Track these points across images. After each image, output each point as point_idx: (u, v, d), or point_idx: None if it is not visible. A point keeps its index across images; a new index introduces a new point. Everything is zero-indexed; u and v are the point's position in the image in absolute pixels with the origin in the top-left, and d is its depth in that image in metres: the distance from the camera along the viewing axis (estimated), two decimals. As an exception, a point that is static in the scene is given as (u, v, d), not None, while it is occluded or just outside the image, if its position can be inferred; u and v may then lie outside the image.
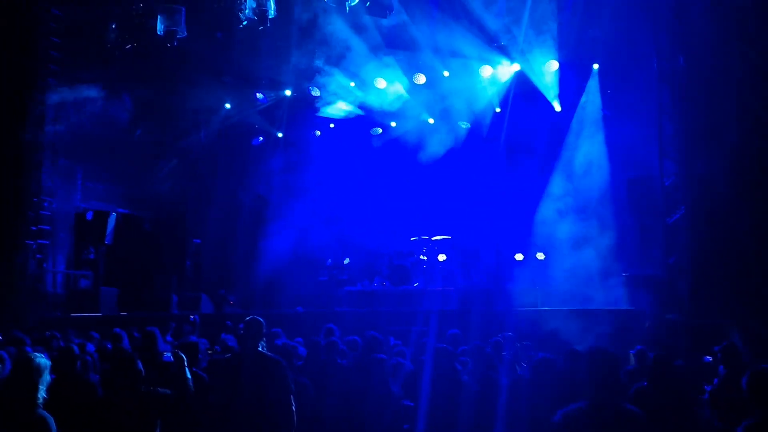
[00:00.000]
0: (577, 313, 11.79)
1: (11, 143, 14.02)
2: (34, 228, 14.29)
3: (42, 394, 4.34)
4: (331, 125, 18.26)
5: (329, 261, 16.67)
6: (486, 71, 16.08)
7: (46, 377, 4.41)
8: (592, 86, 15.34)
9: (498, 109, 16.65)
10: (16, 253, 14.10)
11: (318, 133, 18.40)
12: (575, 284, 13.73)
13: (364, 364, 6.33)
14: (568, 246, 14.55)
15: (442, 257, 16.00)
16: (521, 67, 15.95)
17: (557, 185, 15.28)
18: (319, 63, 15.98)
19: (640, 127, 13.31)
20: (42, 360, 4.46)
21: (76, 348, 6.25)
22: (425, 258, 15.99)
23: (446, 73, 16.38)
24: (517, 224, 15.73)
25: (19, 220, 14.19)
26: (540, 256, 15.57)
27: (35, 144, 14.32)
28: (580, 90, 15.51)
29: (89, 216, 15.25)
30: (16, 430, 4.20)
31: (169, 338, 9.91)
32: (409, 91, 16.86)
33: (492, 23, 15.03)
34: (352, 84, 17.04)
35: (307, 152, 18.30)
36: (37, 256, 14.38)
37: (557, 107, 15.86)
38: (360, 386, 6.00)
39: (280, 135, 18.47)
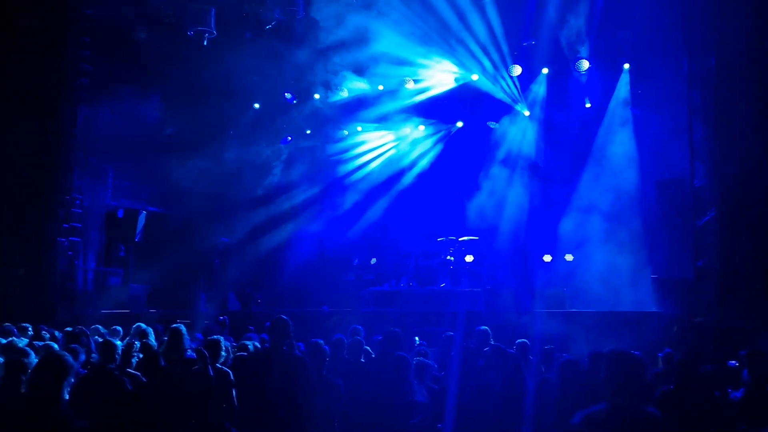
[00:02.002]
0: (605, 316, 11.69)
1: (43, 142, 14.24)
2: (65, 226, 14.51)
3: (65, 394, 4.37)
4: (359, 128, 18.31)
5: (356, 261, 16.70)
6: (516, 71, 15.95)
7: (71, 378, 4.44)
8: (623, 86, 15.17)
9: (527, 112, 16.50)
10: (48, 251, 14.33)
11: (345, 132, 18.43)
12: (603, 286, 13.61)
13: (383, 361, 6.32)
14: (596, 248, 14.43)
15: (469, 258, 15.93)
16: (549, 68, 15.85)
17: (586, 187, 15.13)
18: (346, 63, 16.00)
19: (671, 128, 13.16)
20: (68, 359, 4.51)
21: (117, 343, 6.36)
22: (452, 259, 15.94)
23: (475, 77, 16.32)
24: (546, 225, 15.62)
25: (51, 218, 14.42)
26: (568, 257, 15.45)
27: (67, 143, 14.54)
28: (610, 90, 15.35)
29: (120, 214, 15.45)
30: (38, 425, 4.24)
31: (198, 335, 9.99)
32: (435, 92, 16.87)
33: (520, 22, 14.96)
34: (381, 87, 17.11)
35: (335, 152, 18.39)
36: (69, 253, 14.59)
37: (587, 105, 15.72)
38: (379, 383, 6.00)
39: (308, 132, 18.52)
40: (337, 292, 15.39)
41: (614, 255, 14.03)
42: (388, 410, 5.81)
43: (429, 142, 18.09)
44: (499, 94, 16.43)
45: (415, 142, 18.16)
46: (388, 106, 17.41)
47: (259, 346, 7.86)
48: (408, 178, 17.96)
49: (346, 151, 18.47)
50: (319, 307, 14.18)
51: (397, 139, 18.28)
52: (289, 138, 18.62)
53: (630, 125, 14.78)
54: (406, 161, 18.12)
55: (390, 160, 18.30)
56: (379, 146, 18.41)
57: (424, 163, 17.96)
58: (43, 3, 14.11)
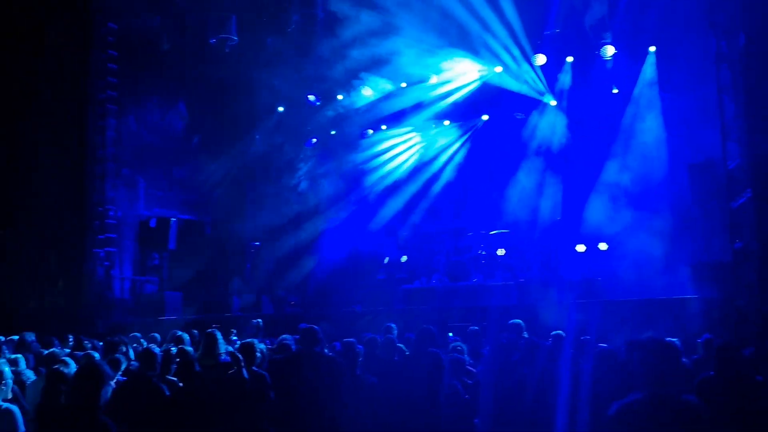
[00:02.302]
0: (641, 304, 11.52)
1: (75, 156, 14.54)
2: (101, 237, 14.77)
3: (103, 400, 4.44)
4: (383, 126, 18.31)
5: (386, 259, 16.69)
6: (540, 60, 15.77)
7: (109, 386, 4.51)
8: (649, 70, 14.92)
9: (553, 102, 16.32)
10: (84, 262, 14.62)
11: (370, 131, 18.44)
12: (639, 274, 13.41)
13: (417, 358, 6.31)
14: (630, 235, 14.21)
15: (501, 252, 15.80)
16: (574, 56, 15.67)
17: (617, 174, 14.92)
18: (368, 62, 15.99)
19: (700, 109, 12.90)
20: (105, 368, 4.58)
21: (157, 350, 6.45)
22: (483, 253, 15.83)
23: (498, 69, 16.21)
24: (578, 215, 15.43)
25: (86, 229, 14.70)
26: (602, 246, 15.24)
27: (98, 156, 14.81)
28: (637, 75, 15.12)
29: (152, 223, 15.66)
30: None
31: (234, 339, 10.08)
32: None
33: (543, 11, 14.80)
34: (404, 85, 17.09)
35: (360, 152, 18.43)
36: (105, 263, 14.86)
37: (614, 92, 15.51)
38: (413, 380, 5.98)
39: (333, 132, 18.57)
40: (368, 292, 15.39)
41: (648, 241, 13.80)
42: (422, 408, 5.79)
43: (455, 137, 18.00)
44: (524, 86, 16.28)
45: (440, 137, 18.10)
46: (412, 104, 17.39)
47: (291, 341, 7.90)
48: (435, 174, 17.90)
49: (372, 150, 18.47)
50: (351, 307, 14.20)
51: (423, 135, 18.23)
52: (314, 140, 18.69)
53: (658, 109, 14.53)
54: (433, 157, 18.06)
55: (416, 157, 18.25)
56: (404, 143, 18.38)
57: (451, 159, 17.88)
58: (69, 20, 14.39)
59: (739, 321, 10.00)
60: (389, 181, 18.16)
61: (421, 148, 18.25)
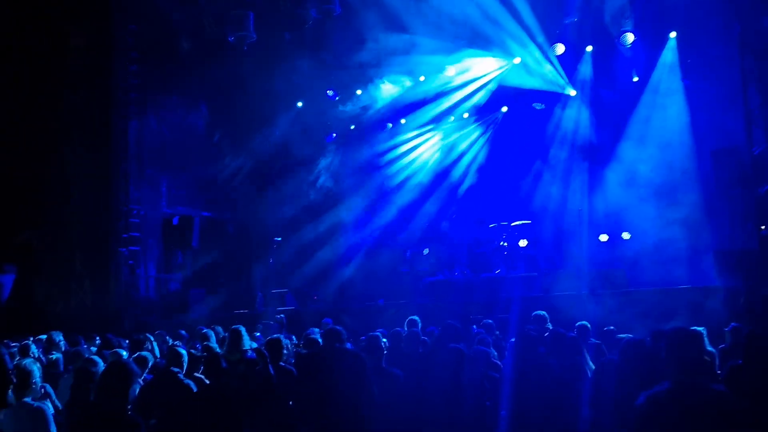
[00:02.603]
0: (667, 293, 11.41)
1: (99, 157, 14.73)
2: (125, 236, 14.94)
3: (131, 398, 4.49)
4: (402, 120, 18.31)
5: (408, 252, 16.70)
6: (559, 49, 15.64)
7: (136, 384, 4.56)
8: (670, 56, 14.72)
9: (573, 92, 16.19)
10: (110, 261, 14.80)
11: (390, 125, 18.45)
12: (663, 263, 13.29)
13: (438, 353, 6.33)
14: (654, 224, 14.09)
15: (523, 242, 15.73)
16: (594, 46, 15.52)
17: (640, 162, 14.76)
18: (386, 57, 15.97)
19: (723, 96, 12.75)
20: (132, 366, 4.63)
21: (183, 349, 6.52)
22: (505, 244, 15.76)
23: (517, 60, 16.13)
24: (601, 204, 15.32)
25: (111, 229, 14.88)
26: (626, 235, 15.12)
27: (121, 156, 14.98)
28: (657, 62, 14.93)
29: (175, 221, 15.80)
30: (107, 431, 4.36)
31: (258, 335, 10.15)
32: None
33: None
34: (422, 78, 17.08)
35: (381, 146, 18.46)
36: (130, 262, 15.03)
37: (635, 80, 15.34)
38: (434, 375, 6.00)
39: (352, 127, 18.61)
40: (391, 285, 15.43)
41: (672, 230, 13.68)
42: (445, 401, 5.81)
43: (475, 130, 17.95)
44: (543, 78, 16.16)
45: (461, 130, 18.05)
46: (431, 97, 17.37)
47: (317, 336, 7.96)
48: (456, 167, 17.87)
49: (392, 144, 18.48)
50: (375, 301, 14.23)
51: (443, 128, 18.19)
52: (334, 134, 18.72)
53: (681, 96, 14.34)
54: (454, 150, 18.03)
55: (437, 150, 18.23)
56: (424, 136, 18.35)
57: (471, 151, 17.84)
58: (91, 22, 14.56)
59: (765, 310, 9.88)
60: (410, 174, 18.16)
61: (441, 140, 18.21)
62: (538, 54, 15.74)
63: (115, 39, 14.85)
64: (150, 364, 7.24)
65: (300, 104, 17.95)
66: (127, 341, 9.24)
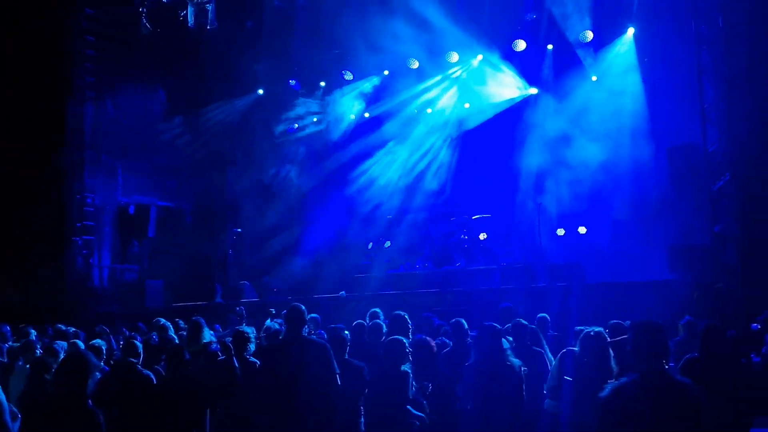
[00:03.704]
0: (623, 286, 11.62)
1: (52, 143, 14.35)
2: (79, 225, 14.62)
3: (89, 389, 4.40)
4: (366, 114, 18.31)
5: (370, 245, 16.69)
6: (520, 46, 15.79)
7: (94, 374, 4.46)
8: (629, 54, 14.97)
9: (534, 90, 16.39)
10: (64, 251, 14.46)
11: (353, 117, 18.40)
12: (619, 257, 13.55)
13: (385, 345, 6.36)
14: (610, 219, 14.35)
15: (483, 236, 15.88)
16: (554, 44, 15.70)
17: (598, 157, 14.99)
18: (349, 49, 15.90)
19: (680, 92, 12.99)
20: (91, 357, 4.53)
21: (139, 341, 6.41)
22: (466, 237, 15.88)
23: (480, 57, 16.26)
24: (558, 199, 15.52)
25: (64, 218, 14.54)
26: (582, 230, 15.39)
27: (75, 142, 14.62)
28: (617, 59, 15.17)
29: (131, 210, 15.51)
30: (65, 423, 4.27)
31: (217, 327, 10.04)
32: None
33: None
34: (386, 73, 17.07)
35: (343, 136, 18.39)
36: (84, 252, 14.72)
37: (593, 78, 15.56)
38: (384, 365, 6.02)
39: (315, 119, 18.51)
40: (353, 277, 15.40)
41: (628, 225, 13.96)
42: (393, 392, 5.83)
43: (439, 125, 18.00)
44: (505, 75, 16.33)
45: (425, 125, 18.09)
46: (396, 92, 17.41)
47: (279, 328, 7.89)
48: (420, 161, 17.91)
49: (355, 136, 18.44)
50: (336, 293, 14.19)
51: (407, 121, 18.20)
52: (296, 125, 18.58)
53: (639, 93, 14.59)
54: (417, 144, 18.06)
55: (402, 143, 18.23)
56: (389, 129, 18.34)
57: (434, 147, 17.90)
58: (45, 4, 14.14)
59: (719, 303, 10.13)
60: (374, 167, 18.15)
61: (406, 134, 18.21)
62: (499, 52, 15.91)
63: (70, 22, 14.47)
64: (105, 356, 7.11)
65: (261, 92, 17.74)
66: (83, 333, 9.06)
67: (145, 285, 15.04)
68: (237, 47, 15.50)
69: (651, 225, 13.52)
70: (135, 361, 6.00)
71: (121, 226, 15.71)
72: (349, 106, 18.12)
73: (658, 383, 3.64)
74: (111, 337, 9.07)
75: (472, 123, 17.32)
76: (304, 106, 18.12)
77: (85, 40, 14.67)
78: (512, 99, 16.69)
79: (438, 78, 17.16)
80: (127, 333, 9.31)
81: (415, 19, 15.00)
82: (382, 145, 18.22)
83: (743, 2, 10.78)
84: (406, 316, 7.05)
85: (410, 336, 6.85)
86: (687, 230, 13.00)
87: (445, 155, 17.66)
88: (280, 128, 18.39)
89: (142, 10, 14.36)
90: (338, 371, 5.41)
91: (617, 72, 15.18)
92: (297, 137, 18.67)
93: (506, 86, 16.55)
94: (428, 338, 7.06)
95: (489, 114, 16.98)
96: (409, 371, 6.02)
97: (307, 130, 18.65)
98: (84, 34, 14.64)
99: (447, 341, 7.34)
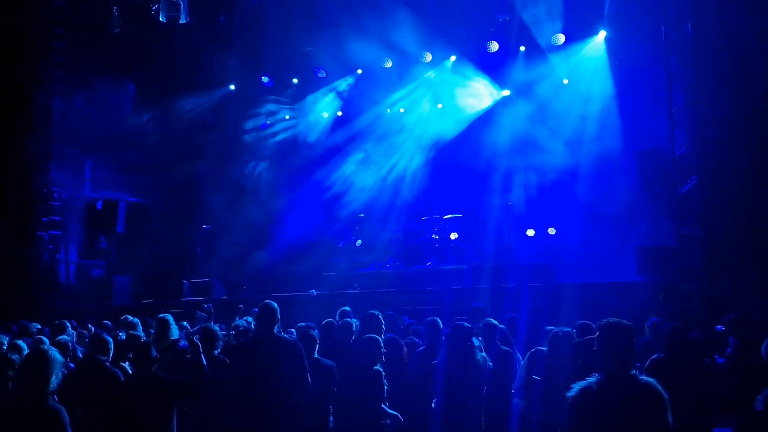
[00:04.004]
0: (591, 287, 11.74)
1: (19, 136, 14.07)
2: (45, 219, 14.37)
3: (52, 387, 4.33)
4: (339, 113, 18.29)
5: (341, 243, 16.66)
6: (493, 47, 15.88)
7: (58, 371, 4.40)
8: (600, 58, 15.13)
9: (507, 92, 16.51)
10: (28, 245, 14.20)
11: (325, 115, 18.37)
12: (587, 258, 13.68)
13: (358, 343, 6.37)
14: (579, 220, 14.50)
15: (453, 235, 15.94)
16: (526, 46, 15.81)
17: (569, 160, 15.14)
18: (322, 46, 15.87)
19: (650, 96, 13.17)
20: (56, 354, 4.45)
21: (107, 336, 6.30)
22: (437, 237, 15.94)
23: (453, 58, 16.30)
24: (528, 200, 15.66)
25: (30, 212, 14.28)
26: (551, 231, 15.54)
27: (43, 136, 14.37)
28: (588, 62, 15.32)
29: (99, 205, 15.27)
30: (27, 421, 4.20)
31: (185, 324, 9.93)
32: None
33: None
34: (360, 71, 17.06)
35: (315, 134, 18.34)
36: (50, 247, 14.48)
37: (565, 81, 15.71)
38: (356, 363, 6.02)
39: (287, 117, 18.44)
40: (323, 275, 15.35)
41: (597, 226, 14.11)
42: (366, 390, 5.84)
43: (411, 124, 18.03)
44: (477, 77, 16.42)
45: (397, 124, 18.11)
46: (369, 90, 17.41)
47: (248, 326, 7.84)
48: (391, 159, 17.94)
49: (328, 134, 18.41)
50: (306, 291, 14.13)
51: (379, 120, 18.21)
52: (268, 122, 18.48)
53: (610, 96, 14.76)
54: (389, 143, 18.07)
55: (372, 142, 18.22)
56: (360, 127, 18.33)
57: (405, 145, 17.92)
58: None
59: (684, 304, 10.29)
60: (346, 166, 18.14)
61: (379, 134, 18.21)
62: (472, 53, 15.99)
63: (38, 13, 14.21)
64: (70, 353, 7.00)
65: (232, 87, 17.59)
66: (48, 329, 8.91)
67: (113, 281, 14.85)
68: (209, 42, 15.37)
69: (620, 227, 13.68)
70: (104, 358, 5.91)
71: (88, 221, 15.45)
72: (323, 105, 18.10)
73: (623, 383, 3.69)
74: (75, 332, 8.92)
75: (446, 127, 17.38)
76: (276, 102, 18.03)
77: (54, 32, 14.42)
78: (485, 108, 16.83)
79: (412, 80, 17.19)
80: (93, 329, 9.17)
81: (388, 19, 15.02)
82: (355, 143, 18.21)
83: (711, 10, 10.95)
84: (380, 315, 7.05)
85: (383, 335, 6.86)
86: (655, 232, 13.19)
87: (417, 155, 17.69)
88: (252, 124, 18.28)
89: (113, 4, 14.18)
90: (309, 369, 5.39)
91: (588, 75, 15.34)
92: (269, 134, 18.57)
93: (479, 95, 16.64)
94: (397, 337, 7.08)
95: (463, 123, 17.08)
96: (382, 370, 6.02)
97: (279, 127, 18.57)
98: (52, 26, 14.39)
99: (417, 340, 7.37)
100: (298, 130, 18.57)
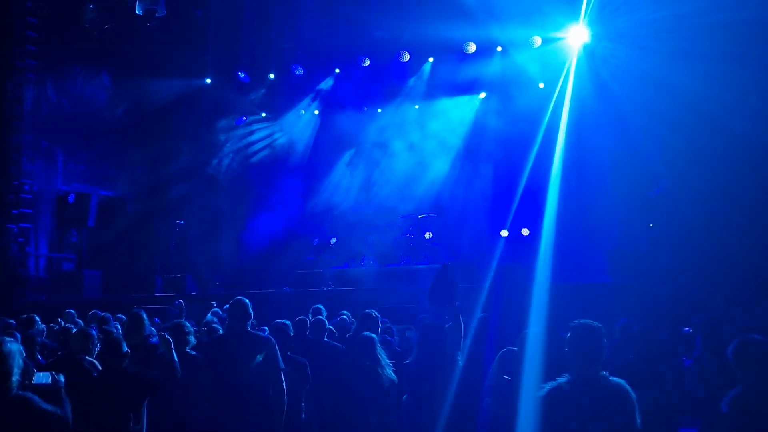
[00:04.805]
0: (563, 288, 11.84)
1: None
2: (15, 211, 14.16)
3: (16, 378, 4.27)
4: (315, 112, 18.26)
5: (316, 241, 16.64)
6: (470, 48, 15.93)
7: (20, 362, 4.33)
8: (576, 59, 15.21)
9: (483, 95, 16.61)
10: (-3, 238, 14.00)
11: (303, 112, 18.32)
12: (560, 259, 13.80)
13: (355, 342, 6.35)
14: (552, 221, 14.61)
15: (428, 235, 16.02)
16: (504, 46, 15.87)
17: (540, 163, 15.25)
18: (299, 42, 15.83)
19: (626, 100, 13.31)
20: (13, 345, 4.39)
21: (74, 330, 6.23)
22: (412, 236, 16.01)
23: (431, 59, 16.36)
24: (503, 201, 15.76)
25: (0, 204, 14.07)
26: (525, 231, 15.67)
27: (14, 126, 14.15)
28: (563, 63, 15.40)
29: (71, 198, 15.08)
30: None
31: (157, 320, 9.85)
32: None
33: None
34: (337, 71, 17.09)
35: (291, 131, 18.29)
36: (19, 239, 14.28)
37: (541, 85, 15.80)
38: (351, 365, 6.01)
39: (263, 115, 18.39)
40: (297, 273, 15.34)
41: (569, 227, 14.23)
42: (358, 390, 5.83)
43: (387, 122, 18.05)
44: (456, 77, 16.49)
45: (372, 122, 18.11)
46: (346, 85, 17.41)
47: (219, 322, 7.81)
48: (365, 157, 17.94)
49: (304, 130, 18.36)
50: (280, 288, 14.10)
51: (352, 117, 18.19)
52: (245, 118, 18.39)
53: (582, 99, 14.85)
54: (363, 140, 18.07)
55: (345, 140, 18.20)
56: (336, 124, 18.30)
57: (381, 143, 17.94)
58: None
59: (653, 307, 10.43)
60: (323, 164, 18.12)
61: (356, 132, 18.19)
62: (450, 54, 16.04)
63: (12, 3, 13.99)
64: (38, 347, 6.93)
65: (209, 81, 17.47)
66: (14, 322, 8.77)
67: (83, 275, 14.67)
68: (185, 36, 15.24)
69: (592, 228, 13.83)
70: (73, 352, 5.84)
71: (59, 214, 15.25)
72: (300, 102, 18.03)
73: (593, 384, 3.76)
74: (44, 326, 8.79)
75: (423, 123, 17.44)
76: (252, 98, 17.93)
77: (27, 22, 14.20)
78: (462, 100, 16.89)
79: (391, 84, 17.23)
80: (63, 323, 9.06)
81: (366, 17, 15.01)
82: (331, 142, 18.19)
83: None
84: (377, 314, 7.04)
85: (379, 334, 6.85)
86: (628, 235, 13.36)
87: (393, 155, 17.72)
88: (227, 119, 18.17)
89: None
90: (283, 367, 5.38)
91: (564, 77, 15.43)
92: (244, 129, 18.47)
93: (457, 88, 16.69)
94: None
95: (440, 115, 17.15)
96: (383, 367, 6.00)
97: (255, 124, 18.49)
98: (26, 15, 14.17)
99: (389, 338, 7.39)
100: (275, 126, 18.49)
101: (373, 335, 6.15)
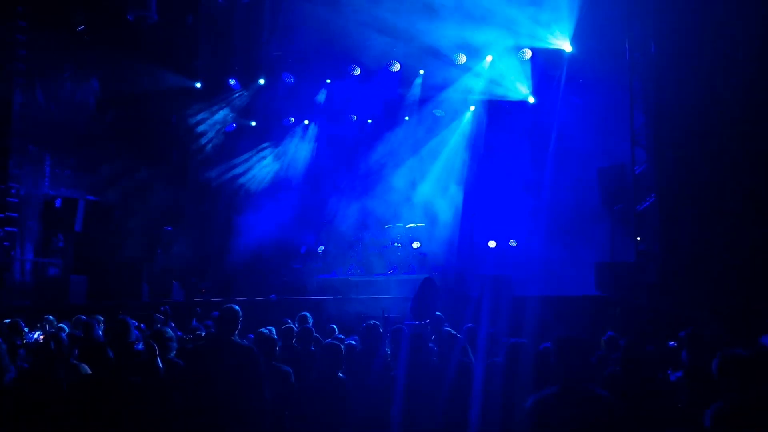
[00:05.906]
0: (550, 300, 11.88)
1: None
2: (1, 215, 14.05)
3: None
4: (305, 122, 18.28)
5: (303, 249, 16.62)
6: (461, 59, 16.01)
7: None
8: (563, 75, 15.31)
9: (472, 107, 16.69)
10: (-18, 242, 13.87)
11: (292, 119, 18.33)
12: (547, 271, 13.85)
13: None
14: (540, 233, 14.67)
15: (416, 244, 16.03)
16: (494, 57, 15.96)
17: (530, 174, 15.34)
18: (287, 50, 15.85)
19: (613, 114, 13.40)
20: None
21: (63, 336, 6.17)
22: (399, 245, 16.01)
23: (421, 72, 16.48)
24: (491, 212, 15.81)
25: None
26: (512, 243, 15.72)
27: (2, 129, 14.07)
28: (552, 78, 15.50)
29: (58, 203, 14.98)
30: None
31: (143, 326, 9.78)
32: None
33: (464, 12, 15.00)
34: (328, 81, 17.13)
35: (281, 140, 18.30)
36: (5, 244, 14.15)
37: (531, 99, 15.88)
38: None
39: (253, 124, 18.38)
40: (285, 281, 15.30)
41: (556, 240, 14.30)
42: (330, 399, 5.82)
43: (374, 132, 18.10)
44: (446, 85, 16.57)
45: (360, 130, 18.15)
46: (333, 94, 17.44)
47: (205, 329, 7.76)
48: (352, 166, 17.96)
49: (293, 138, 18.37)
50: (267, 296, 14.06)
51: (341, 125, 18.23)
52: (235, 125, 18.36)
53: (573, 114, 14.96)
54: (351, 149, 18.10)
55: (335, 148, 18.22)
56: (324, 133, 18.34)
57: (367, 152, 17.97)
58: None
59: (639, 320, 10.47)
60: (307, 169, 18.11)
61: (340, 139, 18.23)
62: (442, 65, 16.12)
63: (2, 6, 13.93)
64: (22, 353, 6.87)
65: (198, 85, 17.42)
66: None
67: (69, 280, 14.56)
68: (176, 41, 15.22)
69: (580, 242, 13.89)
70: (57, 358, 5.78)
71: (46, 219, 15.15)
72: (290, 111, 18.05)
73: (578, 396, 3.76)
74: (27, 332, 8.71)
75: (410, 131, 17.48)
76: (242, 104, 17.92)
77: (17, 25, 14.14)
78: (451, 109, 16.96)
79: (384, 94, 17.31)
80: (48, 328, 8.98)
81: (358, 28, 15.05)
82: (318, 151, 18.22)
83: (674, 29, 11.19)
84: (378, 324, 7.02)
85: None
86: (614, 248, 13.42)
87: (384, 165, 17.76)
88: (217, 126, 18.13)
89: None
90: (265, 376, 5.33)
91: (553, 92, 15.51)
92: (233, 136, 18.45)
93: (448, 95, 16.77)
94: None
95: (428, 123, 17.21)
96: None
97: (244, 131, 18.48)
98: (16, 19, 14.11)
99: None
100: (264, 135, 18.48)
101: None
